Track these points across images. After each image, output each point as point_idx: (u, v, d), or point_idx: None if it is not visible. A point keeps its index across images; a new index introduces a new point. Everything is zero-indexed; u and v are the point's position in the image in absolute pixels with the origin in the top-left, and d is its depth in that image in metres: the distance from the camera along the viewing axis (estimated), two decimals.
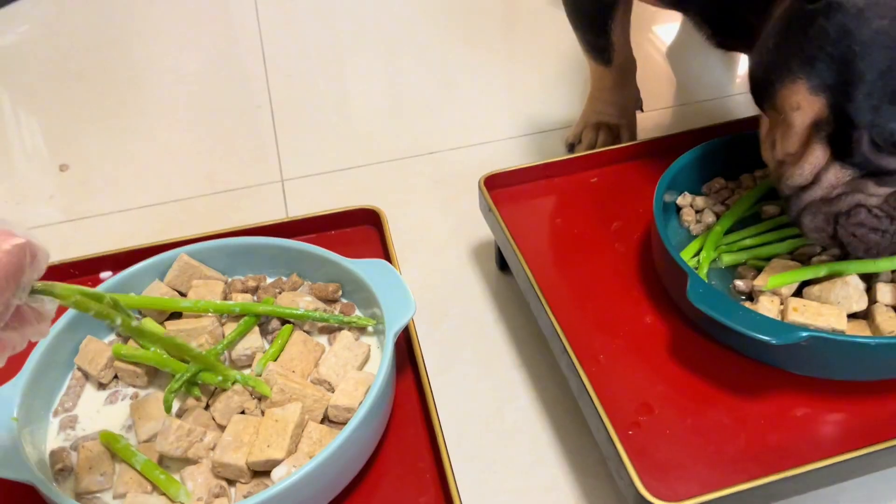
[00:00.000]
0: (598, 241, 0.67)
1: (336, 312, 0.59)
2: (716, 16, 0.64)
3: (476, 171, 0.88)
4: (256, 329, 0.57)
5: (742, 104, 0.99)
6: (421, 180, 0.90)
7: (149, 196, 0.90)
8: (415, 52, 1.15)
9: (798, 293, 0.56)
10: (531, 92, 1.04)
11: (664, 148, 0.74)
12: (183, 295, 0.60)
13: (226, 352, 0.55)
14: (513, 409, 0.64)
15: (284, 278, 0.62)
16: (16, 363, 0.55)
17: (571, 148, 0.86)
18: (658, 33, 1.15)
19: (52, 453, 0.51)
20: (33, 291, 0.39)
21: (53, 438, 0.52)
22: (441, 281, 0.76)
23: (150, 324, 0.56)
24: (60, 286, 0.41)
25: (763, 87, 0.54)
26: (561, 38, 1.13)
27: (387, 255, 0.66)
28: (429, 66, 1.11)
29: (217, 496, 0.47)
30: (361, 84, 1.09)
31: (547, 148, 0.93)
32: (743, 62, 1.07)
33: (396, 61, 1.13)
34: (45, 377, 0.54)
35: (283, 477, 0.46)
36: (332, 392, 0.53)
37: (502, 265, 0.76)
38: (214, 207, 0.88)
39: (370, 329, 0.58)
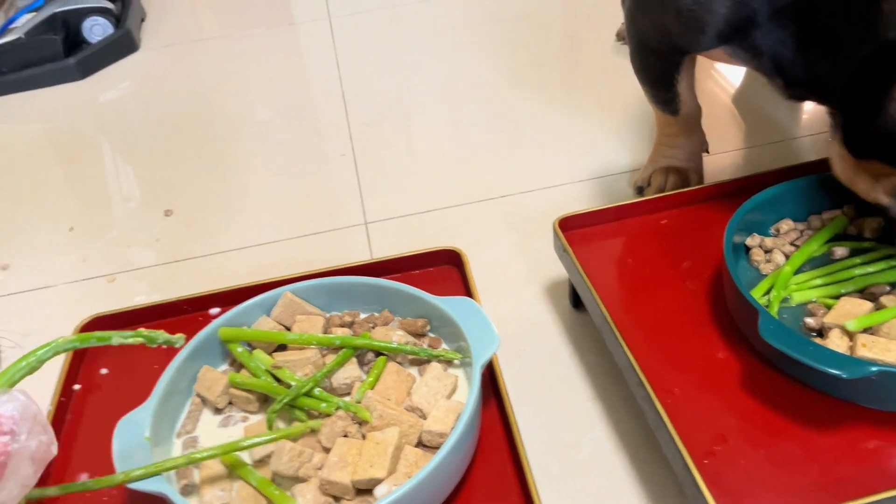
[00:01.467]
0: (669, 279, 0.70)
1: (424, 346, 0.64)
2: (788, 69, 0.67)
3: (546, 214, 0.93)
4: (354, 360, 0.62)
5: (806, 146, 1.01)
6: (494, 223, 0.95)
7: (244, 239, 0.98)
8: (484, 101, 1.22)
9: (868, 330, 0.58)
10: (597, 137, 1.08)
11: (732, 191, 0.77)
12: (288, 329, 0.66)
13: (327, 381, 0.61)
14: (589, 440, 0.67)
15: (377, 314, 0.68)
16: (145, 389, 0.62)
17: (640, 191, 0.90)
18: (723, 76, 1.19)
19: (177, 471, 0.57)
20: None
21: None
22: (517, 318, 0.80)
23: (259, 355, 0.63)
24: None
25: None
26: (625, 86, 1.18)
27: (468, 293, 0.71)
28: (498, 115, 1.17)
29: None
30: (435, 132, 1.16)
31: (614, 191, 0.97)
32: (807, 105, 1.09)
33: (467, 110, 1.20)
34: (169, 403, 0.60)
35: (385, 494, 0.50)
36: (425, 419, 0.57)
37: (576, 303, 0.80)
38: (304, 249, 0.95)
39: (456, 362, 0.63)
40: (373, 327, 0.66)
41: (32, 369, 0.46)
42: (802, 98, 0.71)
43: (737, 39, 0.68)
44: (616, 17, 1.34)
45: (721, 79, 1.18)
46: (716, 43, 0.69)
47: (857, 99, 0.61)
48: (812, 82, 0.67)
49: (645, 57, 0.80)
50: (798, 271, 0.66)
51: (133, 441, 0.55)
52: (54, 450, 0.40)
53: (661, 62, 0.79)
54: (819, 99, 0.69)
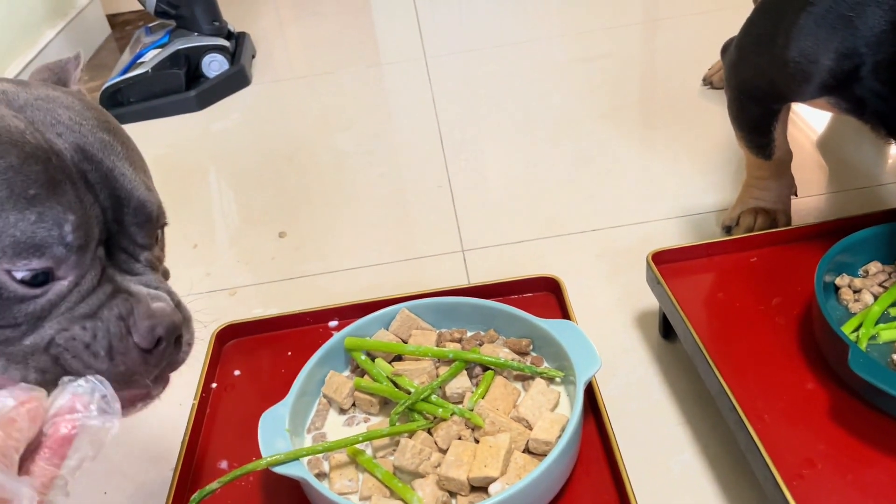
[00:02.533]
0: (758, 314, 0.74)
1: (528, 363, 0.70)
2: (890, 116, 0.71)
3: (634, 248, 0.98)
4: (465, 373, 0.69)
5: (893, 192, 1.04)
6: (584, 255, 1.01)
7: (350, 261, 1.07)
8: (574, 138, 1.28)
9: None
10: (684, 177, 1.13)
11: (820, 233, 0.81)
12: (404, 342, 0.73)
13: (440, 389, 0.67)
14: (678, 462, 0.72)
15: (482, 332, 0.74)
16: (273, 389, 0.70)
17: (728, 230, 0.94)
18: (809, 122, 1.22)
19: (310, 461, 0.64)
20: None
21: None
22: (608, 345, 0.85)
23: (381, 363, 0.70)
24: None
25: None
26: (711, 128, 1.23)
27: (567, 318, 0.76)
28: (587, 152, 1.24)
29: (444, 503, 0.58)
30: (527, 167, 1.23)
31: (700, 230, 1.02)
32: (894, 150, 1.12)
33: (559, 146, 1.27)
34: (301, 402, 0.68)
35: (499, 491, 0.56)
36: (530, 429, 0.63)
37: (666, 333, 0.85)
38: (404, 273, 1.03)
39: (558, 379, 0.69)
40: (480, 344, 0.72)
41: None
42: None
43: (840, 90, 0.72)
44: (697, 60, 1.39)
45: (807, 124, 1.22)
46: (819, 94, 0.73)
47: None
48: None
49: (744, 105, 0.85)
50: (887, 310, 0.69)
51: (275, 432, 0.62)
52: (114, 430, 0.43)
53: (761, 110, 0.83)
54: None
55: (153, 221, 0.48)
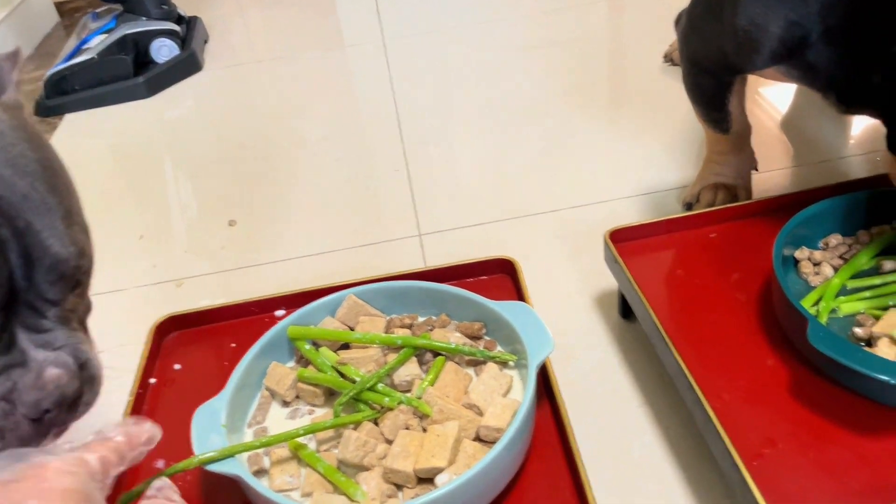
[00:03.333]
0: (718, 291, 0.72)
1: (480, 348, 0.67)
2: (841, 83, 0.69)
3: (595, 228, 0.96)
4: (414, 359, 0.65)
5: (853, 165, 1.02)
6: (544, 236, 0.98)
7: (303, 248, 1.03)
8: (534, 120, 1.25)
9: None
10: (645, 155, 1.11)
11: (780, 206, 0.79)
12: (351, 329, 0.69)
13: (389, 378, 0.64)
14: (639, 444, 0.69)
15: (434, 317, 0.71)
16: (215, 383, 0.66)
17: (689, 207, 0.92)
18: (773, 94, 1.20)
19: (249, 457, 0.60)
20: None
21: None
22: (567, 327, 0.83)
23: (325, 352, 0.66)
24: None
25: None
26: (672, 106, 1.20)
27: (522, 300, 0.73)
28: (548, 133, 1.21)
29: (389, 497, 0.55)
30: (486, 149, 1.20)
31: (662, 207, 0.99)
32: (855, 124, 1.10)
33: (517, 129, 1.23)
34: (241, 395, 0.64)
35: (446, 482, 0.53)
36: (482, 416, 0.60)
37: (625, 313, 0.82)
38: (360, 258, 0.99)
39: (511, 363, 0.66)
40: (431, 329, 0.69)
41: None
42: (855, 111, 0.72)
43: (791, 58, 0.70)
44: (662, 39, 1.37)
45: (769, 100, 1.20)
46: (770, 62, 0.71)
47: None
48: (864, 94, 0.68)
49: (699, 77, 0.83)
50: (846, 284, 0.68)
51: (210, 427, 0.59)
52: None
53: (714, 82, 0.81)
54: (870, 110, 0.70)
55: (67, 279, 0.46)
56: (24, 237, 0.43)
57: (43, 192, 0.44)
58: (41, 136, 0.48)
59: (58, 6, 2.12)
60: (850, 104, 0.71)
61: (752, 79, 0.88)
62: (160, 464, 0.64)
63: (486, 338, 0.69)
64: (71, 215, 0.46)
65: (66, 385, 0.46)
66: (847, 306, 0.65)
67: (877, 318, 0.63)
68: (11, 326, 0.44)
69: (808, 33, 0.67)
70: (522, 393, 0.62)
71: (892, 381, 0.54)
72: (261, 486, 0.54)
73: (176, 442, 0.65)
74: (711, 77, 0.81)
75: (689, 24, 0.80)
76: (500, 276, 0.79)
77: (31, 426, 0.46)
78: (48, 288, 0.45)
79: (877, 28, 0.63)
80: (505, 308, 0.67)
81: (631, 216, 0.98)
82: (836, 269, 0.69)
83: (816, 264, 0.70)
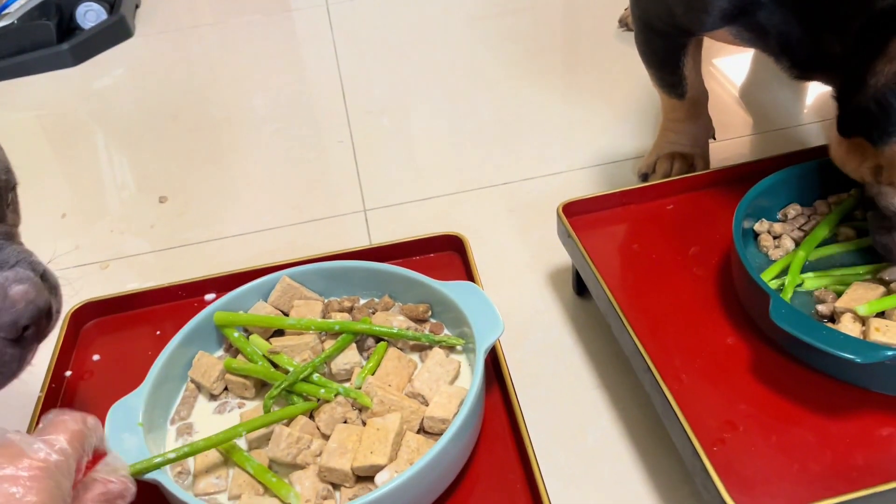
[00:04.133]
0: (676, 265, 0.69)
1: (426, 332, 0.62)
2: (794, 47, 0.66)
3: (549, 201, 0.92)
4: (354, 346, 0.61)
5: (812, 133, 1.00)
6: (496, 210, 0.94)
7: (241, 226, 0.96)
8: (485, 89, 1.20)
9: (881, 314, 0.57)
10: (600, 125, 1.07)
11: (739, 176, 0.76)
12: (286, 314, 0.64)
13: (326, 366, 0.59)
14: (595, 429, 0.66)
15: (377, 299, 0.66)
16: (138, 376, 0.60)
17: (645, 177, 0.89)
18: (729, 64, 1.17)
19: None
20: None
21: (172, 444, 0.57)
22: (520, 305, 0.79)
23: (256, 340, 0.61)
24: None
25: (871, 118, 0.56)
26: (628, 73, 1.16)
27: (471, 280, 0.69)
28: (500, 103, 1.16)
29: (324, 498, 0.50)
30: (435, 120, 1.14)
31: (617, 178, 0.96)
32: (812, 92, 1.08)
33: (468, 99, 1.18)
34: (163, 389, 0.59)
35: (386, 481, 0.49)
36: (427, 405, 0.56)
37: (580, 290, 0.79)
38: (302, 236, 0.94)
39: (459, 348, 0.61)
40: (373, 313, 0.64)
41: None
42: (809, 77, 0.69)
43: (741, 19, 0.66)
44: (616, 3, 1.32)
45: (725, 67, 1.17)
46: (720, 23, 0.67)
47: (848, 74, 0.59)
48: (816, 60, 0.66)
49: (650, 39, 0.79)
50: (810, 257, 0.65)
51: (125, 427, 0.53)
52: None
53: (666, 44, 0.77)
54: (824, 77, 0.68)
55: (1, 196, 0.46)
56: None
57: None
58: None
59: None
60: (804, 70, 0.68)
61: (708, 45, 0.84)
62: None
63: (432, 321, 0.64)
64: None
65: (36, 298, 0.46)
66: (811, 282, 0.62)
67: (839, 293, 0.60)
68: None
69: None
70: (470, 380, 0.58)
71: (858, 360, 0.51)
72: (181, 491, 0.49)
73: None
74: (663, 38, 0.77)
75: None
76: (448, 254, 0.75)
77: (14, 348, 0.46)
78: None
79: None
80: (452, 288, 0.62)
81: (586, 188, 0.94)
82: (796, 242, 0.67)
83: (777, 237, 0.67)
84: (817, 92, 1.08)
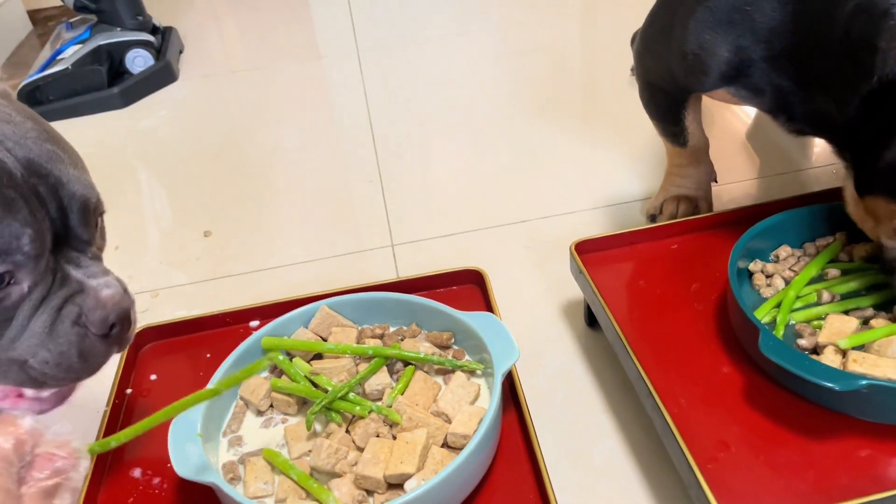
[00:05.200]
0: (678, 300, 0.75)
1: (449, 357, 0.69)
2: (790, 107, 0.72)
3: (562, 238, 0.99)
4: (385, 369, 0.68)
5: (812, 178, 1.06)
6: (513, 246, 1.01)
7: (278, 259, 1.05)
8: (504, 131, 1.28)
9: (860, 347, 0.63)
10: (611, 167, 1.14)
11: (738, 219, 0.82)
12: (324, 340, 0.71)
13: (360, 387, 0.66)
14: (601, 448, 0.72)
15: (405, 327, 0.74)
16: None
17: (653, 218, 0.95)
18: (734, 110, 1.24)
19: (224, 465, 0.62)
20: None
21: (224, 454, 0.64)
22: (534, 335, 0.85)
23: (299, 362, 0.68)
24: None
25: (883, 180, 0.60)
26: (639, 118, 1.23)
27: (490, 310, 0.76)
28: (517, 144, 1.24)
29: (360, 502, 0.57)
30: (458, 160, 1.22)
31: (626, 218, 1.03)
32: (815, 140, 1.15)
33: (488, 140, 1.26)
34: (217, 404, 0.66)
35: (414, 488, 0.56)
36: (450, 423, 0.63)
37: (591, 322, 0.85)
38: (334, 269, 1.01)
39: (479, 372, 0.68)
40: (402, 339, 0.72)
41: None
42: (806, 134, 0.75)
43: (738, 80, 0.73)
44: (630, 53, 1.40)
45: (735, 111, 1.24)
46: (719, 84, 0.74)
47: (863, 137, 0.64)
48: (814, 120, 0.72)
49: (653, 95, 0.86)
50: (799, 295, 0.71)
51: (186, 437, 0.61)
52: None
53: (668, 99, 0.85)
54: (822, 135, 0.73)
55: (92, 215, 0.53)
56: (57, 190, 0.50)
57: (59, 151, 0.52)
58: (38, 115, 0.56)
59: (31, 14, 2.11)
60: (801, 127, 0.74)
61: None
62: (136, 473, 0.66)
63: (455, 347, 0.71)
64: (84, 169, 0.55)
65: (122, 300, 0.54)
66: (798, 315, 0.69)
67: (816, 328, 0.66)
68: (61, 266, 0.51)
69: (755, 57, 0.70)
70: (489, 401, 0.65)
71: (837, 388, 0.57)
72: (236, 493, 0.56)
73: (152, 451, 0.67)
74: (666, 95, 0.84)
75: (643, 45, 0.84)
76: (469, 287, 0.82)
77: (102, 344, 0.53)
78: (82, 230, 0.52)
79: (821, 54, 0.66)
80: (472, 318, 0.69)
81: (597, 227, 1.01)
82: (787, 281, 0.73)
83: (769, 276, 0.74)
84: (818, 139, 1.14)
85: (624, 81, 1.37)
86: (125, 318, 0.54)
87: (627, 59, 1.40)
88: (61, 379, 0.52)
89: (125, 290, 0.56)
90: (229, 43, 1.85)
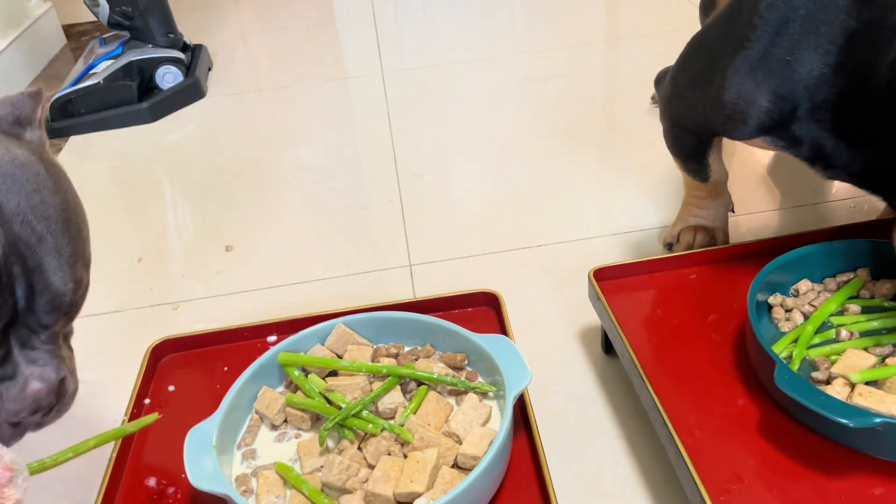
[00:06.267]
0: (695, 330, 0.75)
1: (462, 378, 0.70)
2: (830, 157, 0.71)
3: (579, 264, 0.99)
4: (398, 388, 0.68)
5: (830, 210, 1.06)
6: (530, 270, 1.01)
7: (296, 275, 1.06)
8: (524, 155, 1.29)
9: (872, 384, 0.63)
10: (629, 195, 1.14)
11: (758, 251, 0.82)
12: (340, 357, 0.72)
13: (373, 405, 0.66)
14: (612, 475, 0.72)
15: (419, 347, 0.74)
16: (208, 405, 0.69)
17: (669, 247, 0.96)
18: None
19: (237, 478, 0.63)
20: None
21: (238, 466, 0.65)
22: (549, 359, 0.86)
23: (314, 379, 0.69)
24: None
25: None
26: (657, 147, 1.23)
27: (504, 333, 0.76)
28: (536, 169, 1.25)
29: None
30: (477, 183, 1.24)
31: (643, 246, 1.03)
32: None
33: (509, 161, 1.27)
34: (232, 417, 0.67)
35: None
36: (460, 443, 0.63)
37: (607, 349, 0.85)
38: (352, 287, 1.02)
39: (491, 394, 0.68)
40: (416, 359, 0.72)
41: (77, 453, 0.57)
42: (843, 180, 0.74)
43: (777, 131, 0.72)
44: (650, 82, 1.41)
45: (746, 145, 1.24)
46: (757, 134, 0.74)
47: None
48: (855, 169, 0.71)
49: (679, 136, 0.86)
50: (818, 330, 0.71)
51: (202, 449, 0.61)
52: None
53: (694, 141, 0.84)
54: (862, 184, 0.72)
55: (62, 309, 0.52)
56: (32, 274, 0.49)
57: (57, 235, 0.50)
58: (61, 175, 0.54)
59: (65, 29, 2.17)
60: (837, 175, 0.73)
61: None
62: (152, 482, 0.66)
63: (468, 368, 0.72)
64: (77, 254, 0.52)
65: (43, 399, 0.53)
66: (814, 352, 0.68)
67: (832, 362, 0.66)
68: (8, 342, 0.51)
69: (795, 108, 0.69)
70: (500, 423, 0.65)
71: (851, 425, 0.57)
72: None
73: (168, 461, 0.68)
74: (693, 136, 0.84)
75: (672, 90, 0.83)
76: (484, 309, 0.82)
77: (9, 427, 0.53)
78: (45, 315, 0.51)
79: (864, 106, 0.65)
80: (486, 341, 0.70)
81: (614, 253, 1.02)
82: (805, 316, 0.73)
83: (788, 310, 0.73)
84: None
85: (643, 110, 1.38)
86: (39, 412, 0.53)
87: (647, 87, 1.41)
88: None
89: (62, 381, 0.54)
90: (256, 61, 1.89)
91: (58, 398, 0.54)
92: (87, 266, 0.55)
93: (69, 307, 0.52)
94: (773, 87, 0.70)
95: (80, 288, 0.53)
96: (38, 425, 0.55)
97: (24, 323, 0.51)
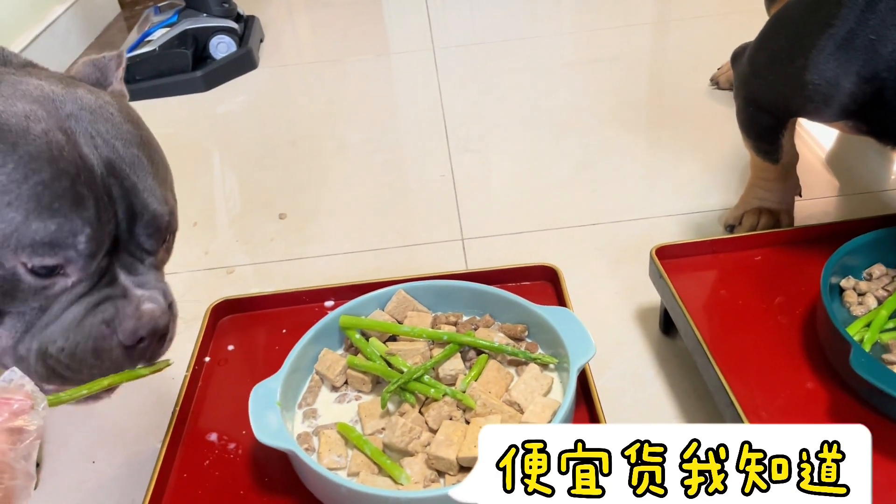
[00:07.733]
0: (761, 312, 0.74)
1: (522, 349, 0.69)
2: None
3: (636, 244, 0.98)
4: (458, 355, 0.68)
5: (893, 199, 1.03)
6: (584, 248, 1.00)
7: (350, 245, 1.06)
8: (579, 134, 1.27)
9: None
10: (687, 176, 1.12)
11: (824, 235, 0.80)
12: (400, 323, 0.72)
13: (434, 370, 0.66)
14: None
15: (478, 317, 0.74)
16: (267, 365, 0.69)
17: (731, 229, 0.94)
18: (819, 126, 1.21)
19: (298, 436, 0.63)
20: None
21: (299, 425, 0.65)
22: (605, 337, 0.84)
23: (374, 342, 0.69)
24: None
25: None
26: (715, 128, 1.22)
27: (563, 306, 0.75)
28: (592, 148, 1.23)
29: (432, 482, 0.57)
30: (531, 160, 1.22)
31: (701, 227, 1.01)
32: None
33: (561, 140, 1.26)
34: (294, 377, 0.67)
35: None
36: (521, 413, 0.62)
37: (666, 329, 0.84)
38: (404, 258, 1.02)
39: (551, 366, 0.68)
40: (475, 328, 0.72)
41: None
42: None
43: (859, 114, 0.70)
44: (706, 61, 1.38)
45: (815, 129, 1.21)
46: (839, 117, 0.71)
47: None
48: None
49: (754, 116, 0.83)
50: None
51: (266, 405, 0.62)
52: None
53: (770, 121, 0.82)
54: None
55: (161, 232, 0.54)
56: (131, 195, 0.51)
57: (145, 161, 0.52)
58: (141, 120, 0.57)
59: None
60: None
61: None
62: (213, 437, 0.67)
63: (528, 340, 0.71)
64: (166, 183, 0.55)
65: (159, 318, 0.53)
66: (886, 336, 0.66)
67: None
68: (113, 268, 0.52)
69: (881, 90, 0.67)
70: (561, 395, 0.64)
71: None
72: (313, 461, 0.57)
73: (228, 416, 0.69)
74: (769, 116, 0.81)
75: (750, 68, 0.80)
76: (541, 283, 0.81)
77: (124, 352, 0.52)
78: (146, 240, 0.53)
79: None
80: (548, 312, 0.69)
81: (670, 234, 1.00)
82: (879, 300, 0.70)
83: (861, 294, 0.71)
84: None
85: (701, 91, 1.35)
86: (157, 334, 0.53)
87: (705, 69, 1.38)
88: (73, 372, 0.51)
89: (170, 306, 0.55)
90: (305, 35, 1.89)
91: (170, 322, 0.55)
92: (174, 197, 0.56)
93: (166, 231, 0.54)
94: (858, 68, 0.67)
95: (173, 214, 0.54)
96: (152, 355, 0.54)
97: (127, 249, 0.52)
